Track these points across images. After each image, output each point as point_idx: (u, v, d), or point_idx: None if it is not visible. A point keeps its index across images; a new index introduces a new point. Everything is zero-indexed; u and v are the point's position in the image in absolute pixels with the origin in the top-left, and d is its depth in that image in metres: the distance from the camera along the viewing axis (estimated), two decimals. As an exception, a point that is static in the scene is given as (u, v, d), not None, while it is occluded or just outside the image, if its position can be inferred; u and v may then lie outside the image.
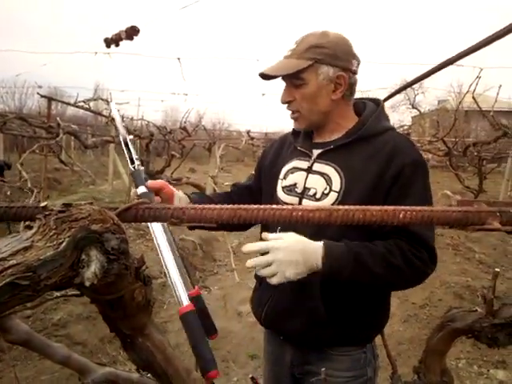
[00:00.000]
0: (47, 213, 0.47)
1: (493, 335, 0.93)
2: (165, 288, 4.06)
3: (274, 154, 1.33)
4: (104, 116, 6.56)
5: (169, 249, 0.88)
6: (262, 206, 0.63)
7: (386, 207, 0.63)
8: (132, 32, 3.54)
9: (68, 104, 6.46)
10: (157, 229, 0.90)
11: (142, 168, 1.07)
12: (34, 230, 0.45)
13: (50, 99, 5.66)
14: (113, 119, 1.15)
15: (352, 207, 0.62)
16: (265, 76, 1.13)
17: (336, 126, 1.17)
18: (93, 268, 0.46)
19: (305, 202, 1.13)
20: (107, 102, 4.60)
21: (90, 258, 0.46)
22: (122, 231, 0.50)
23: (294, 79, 1.11)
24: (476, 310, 1.08)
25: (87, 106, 4.64)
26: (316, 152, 1.18)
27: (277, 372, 1.26)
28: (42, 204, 0.55)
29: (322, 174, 1.13)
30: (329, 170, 1.12)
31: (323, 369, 1.00)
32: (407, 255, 1.01)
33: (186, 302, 0.82)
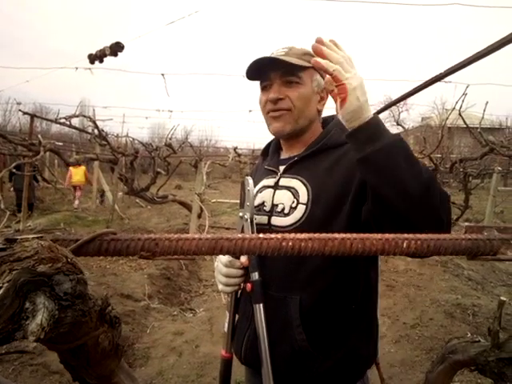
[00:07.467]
0: (-15, 250, 0.39)
1: (499, 370, 0.85)
2: (148, 311, 3.89)
3: (254, 179, 1.29)
4: (88, 133, 6.44)
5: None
6: (248, 236, 0.55)
7: (386, 235, 0.56)
8: (116, 48, 3.49)
9: (50, 121, 6.31)
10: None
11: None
12: (-36, 274, 0.37)
13: (32, 116, 5.53)
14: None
15: (349, 235, 0.55)
16: (254, 72, 1.09)
17: (310, 139, 1.16)
18: (39, 319, 0.37)
19: (274, 218, 1.10)
20: (90, 118, 4.49)
21: (36, 306, 0.38)
22: (78, 270, 0.42)
23: (290, 76, 1.08)
24: (479, 341, 1.01)
25: (68, 123, 4.52)
26: (282, 168, 1.17)
27: None
28: (-13, 237, 0.46)
29: (288, 188, 1.11)
30: (295, 183, 1.10)
31: None
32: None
33: None
